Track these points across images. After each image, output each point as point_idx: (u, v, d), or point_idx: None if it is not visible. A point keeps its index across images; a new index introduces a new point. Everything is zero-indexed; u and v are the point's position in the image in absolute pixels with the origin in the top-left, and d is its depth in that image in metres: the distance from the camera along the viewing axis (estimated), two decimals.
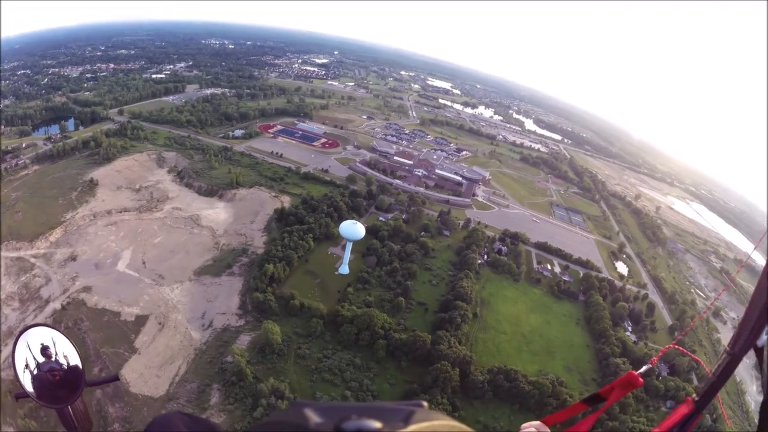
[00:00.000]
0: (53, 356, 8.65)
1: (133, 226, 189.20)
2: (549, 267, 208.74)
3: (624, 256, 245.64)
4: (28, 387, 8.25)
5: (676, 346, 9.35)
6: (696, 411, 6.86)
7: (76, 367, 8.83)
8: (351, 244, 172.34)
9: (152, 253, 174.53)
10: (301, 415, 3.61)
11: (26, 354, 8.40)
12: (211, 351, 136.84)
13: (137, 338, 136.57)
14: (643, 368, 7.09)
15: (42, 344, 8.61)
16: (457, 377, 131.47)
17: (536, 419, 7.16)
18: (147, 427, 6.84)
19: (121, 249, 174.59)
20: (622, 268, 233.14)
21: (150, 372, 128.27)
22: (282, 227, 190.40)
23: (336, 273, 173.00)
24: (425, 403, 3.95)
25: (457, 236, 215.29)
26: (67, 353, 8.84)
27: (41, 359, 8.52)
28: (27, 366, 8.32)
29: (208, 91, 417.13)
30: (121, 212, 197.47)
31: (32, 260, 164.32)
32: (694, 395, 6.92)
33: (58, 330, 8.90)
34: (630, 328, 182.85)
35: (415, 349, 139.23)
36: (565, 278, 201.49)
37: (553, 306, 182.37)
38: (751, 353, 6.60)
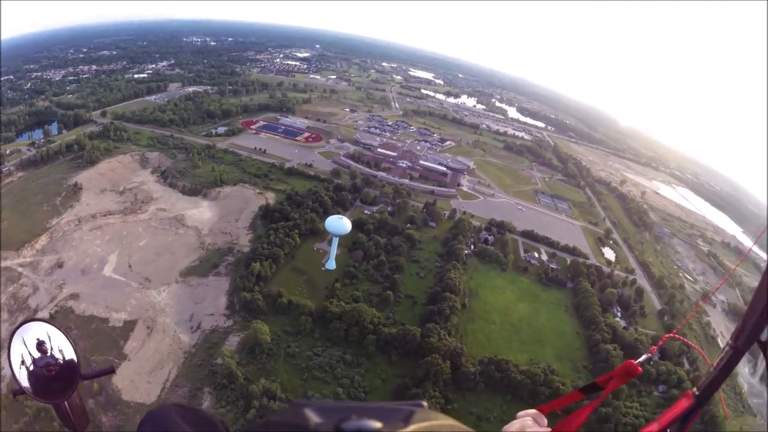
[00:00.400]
0: (49, 351, 8.60)
1: (118, 229, 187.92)
2: (536, 255, 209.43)
3: (611, 241, 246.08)
4: (25, 383, 8.25)
5: (677, 336, 9.28)
6: (697, 405, 6.82)
7: (71, 361, 8.78)
8: (337, 239, 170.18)
9: (138, 256, 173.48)
10: (301, 415, 3.57)
11: (22, 350, 8.37)
12: (201, 353, 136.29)
13: (126, 344, 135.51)
14: (643, 357, 7.05)
15: (38, 339, 8.57)
16: (449, 370, 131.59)
17: (531, 408, 7.14)
18: (141, 422, 6.89)
19: (107, 253, 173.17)
20: (609, 254, 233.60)
21: (141, 378, 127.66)
22: (267, 224, 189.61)
23: (323, 269, 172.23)
24: (425, 403, 3.96)
25: (443, 227, 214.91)
26: (62, 347, 8.77)
27: (37, 354, 8.49)
28: (23, 362, 8.31)
29: (191, 89, 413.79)
30: (105, 215, 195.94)
31: (19, 269, 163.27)
32: (694, 389, 6.85)
33: (52, 324, 8.85)
34: (619, 314, 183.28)
35: (405, 343, 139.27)
36: (553, 266, 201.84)
37: (542, 294, 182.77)
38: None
